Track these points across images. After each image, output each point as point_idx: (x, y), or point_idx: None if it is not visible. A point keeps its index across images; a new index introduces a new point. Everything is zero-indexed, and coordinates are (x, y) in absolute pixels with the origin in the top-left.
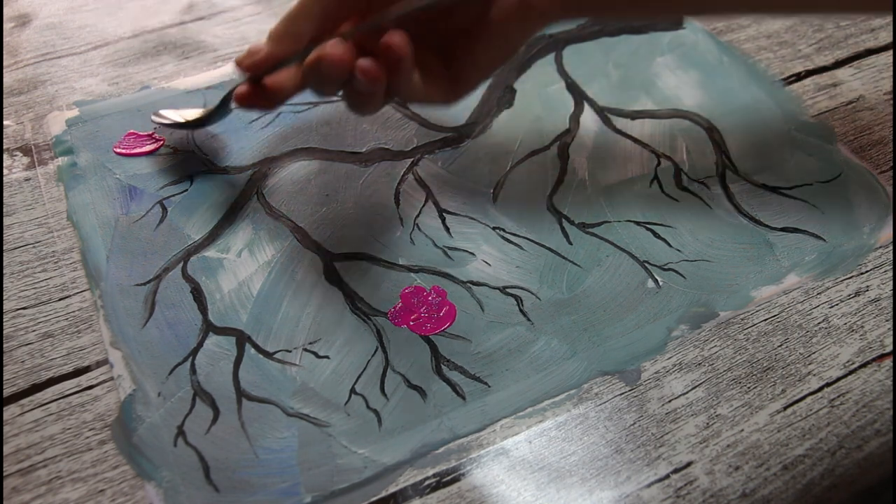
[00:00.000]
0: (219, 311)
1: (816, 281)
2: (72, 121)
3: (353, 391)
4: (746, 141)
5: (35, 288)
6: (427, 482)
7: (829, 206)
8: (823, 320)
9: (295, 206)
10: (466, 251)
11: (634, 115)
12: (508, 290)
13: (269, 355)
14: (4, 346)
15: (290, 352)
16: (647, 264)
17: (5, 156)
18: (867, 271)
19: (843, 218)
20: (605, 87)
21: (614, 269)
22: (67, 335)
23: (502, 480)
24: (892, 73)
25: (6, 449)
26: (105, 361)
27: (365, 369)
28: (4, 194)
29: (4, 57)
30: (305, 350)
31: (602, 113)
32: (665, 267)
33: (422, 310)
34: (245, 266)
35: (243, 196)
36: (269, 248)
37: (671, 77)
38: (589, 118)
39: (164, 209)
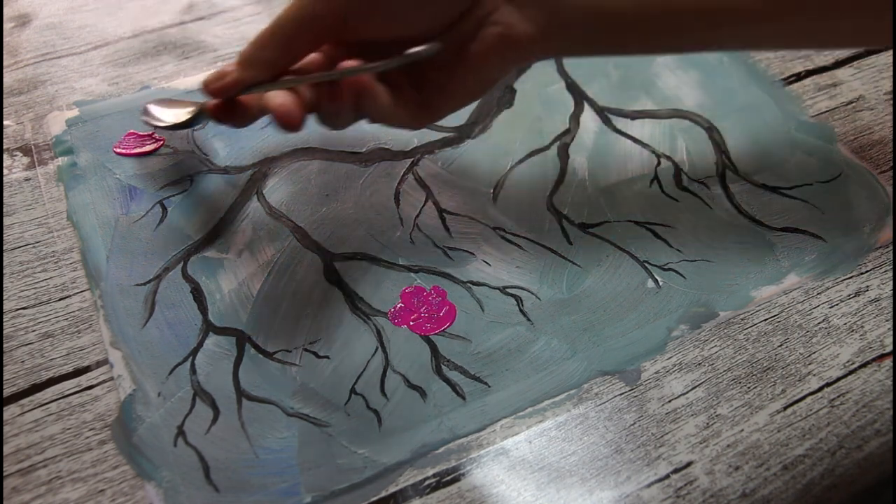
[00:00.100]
0: (219, 311)
1: (816, 281)
2: (72, 121)
3: (353, 391)
4: (746, 141)
5: (35, 288)
6: (427, 482)
7: (829, 206)
8: (823, 320)
9: (295, 206)
10: (466, 251)
11: (634, 115)
12: (508, 290)
13: (269, 355)
14: (4, 346)
15: (290, 352)
16: (647, 264)
17: (5, 156)
18: (867, 271)
19: (843, 218)
20: (605, 87)
21: (614, 269)
22: (67, 335)
23: (502, 480)
24: (892, 73)
25: (6, 449)
26: (105, 361)
27: (365, 369)
28: (4, 194)
29: (4, 57)
30: (305, 350)
31: (602, 113)
32: (665, 267)
33: (422, 310)
34: (245, 266)
35: (243, 196)
36: (269, 248)
37: (671, 77)
38: (589, 118)
39: (164, 209)
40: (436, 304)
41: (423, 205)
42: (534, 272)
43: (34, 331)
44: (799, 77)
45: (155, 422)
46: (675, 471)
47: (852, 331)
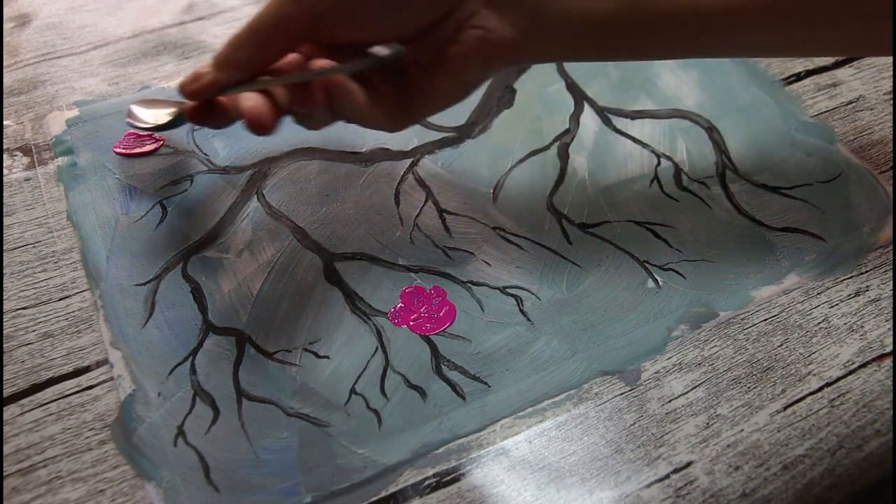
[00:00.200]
0: (219, 311)
1: (816, 281)
2: (72, 121)
3: (353, 391)
4: (746, 141)
5: (35, 288)
6: (427, 482)
7: (829, 206)
8: (823, 320)
9: (295, 206)
10: (466, 251)
11: (634, 115)
12: (508, 290)
13: (269, 355)
14: (4, 346)
15: (290, 352)
16: (647, 264)
17: (5, 156)
18: (867, 271)
19: (843, 218)
20: (605, 87)
21: (614, 269)
22: (67, 335)
23: (502, 480)
24: (892, 73)
25: (6, 449)
26: (105, 361)
27: (365, 369)
28: (4, 194)
29: (4, 57)
30: (305, 350)
31: (602, 113)
32: (665, 267)
33: (422, 310)
34: (245, 266)
35: (243, 196)
36: (269, 248)
37: (671, 77)
38: (589, 118)
39: (164, 209)
40: (436, 304)
41: (423, 205)
42: (534, 272)
43: (34, 331)
44: (799, 77)
45: (155, 422)
46: (675, 471)
47: (852, 331)
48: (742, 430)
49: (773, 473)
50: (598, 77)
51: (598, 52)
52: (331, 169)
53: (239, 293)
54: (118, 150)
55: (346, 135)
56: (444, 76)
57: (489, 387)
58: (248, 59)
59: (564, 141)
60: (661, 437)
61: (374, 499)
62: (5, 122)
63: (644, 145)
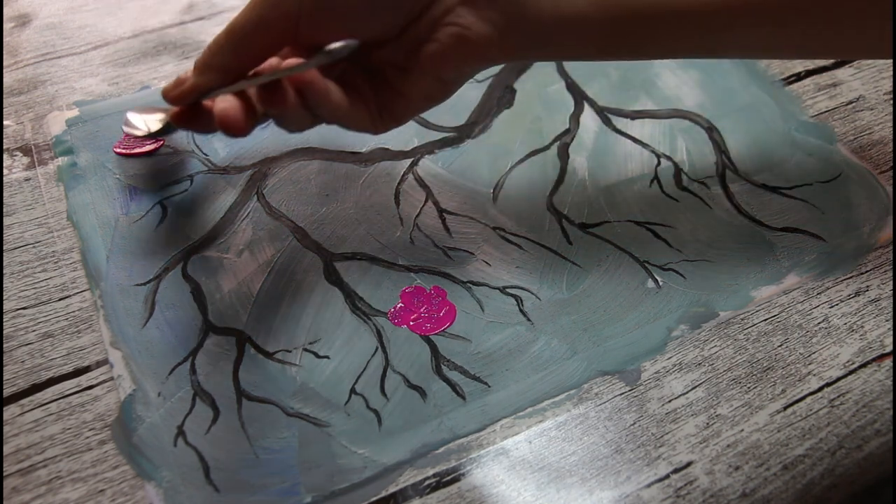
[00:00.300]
0: (219, 311)
1: (816, 281)
2: (72, 121)
3: (353, 391)
4: (746, 141)
5: (35, 288)
6: (427, 482)
7: (829, 206)
8: (823, 320)
9: (295, 206)
10: (466, 251)
11: (634, 115)
12: (508, 290)
13: (269, 355)
14: (4, 346)
15: (290, 352)
16: (647, 264)
17: (5, 156)
18: (867, 271)
19: (843, 218)
20: (605, 87)
21: (614, 269)
22: (67, 335)
23: (502, 480)
24: (892, 73)
25: (6, 449)
26: (105, 361)
27: (365, 369)
28: (4, 194)
29: (4, 57)
30: (305, 350)
31: (602, 113)
32: (665, 267)
33: (422, 310)
34: (245, 266)
35: (243, 196)
36: (269, 248)
37: (671, 77)
38: (589, 118)
39: (164, 209)
40: (436, 304)
41: (423, 205)
42: (534, 272)
43: (34, 331)
44: (799, 77)
45: (155, 422)
46: (675, 471)
47: (852, 331)
48: (742, 430)
49: (773, 473)
50: (599, 77)
51: (574, 51)
52: (331, 169)
53: (239, 293)
54: (118, 150)
55: (346, 135)
56: (422, 75)
57: (489, 387)
58: (227, 63)
59: (564, 141)
60: (661, 437)
61: (374, 499)
62: (5, 122)
63: (644, 145)
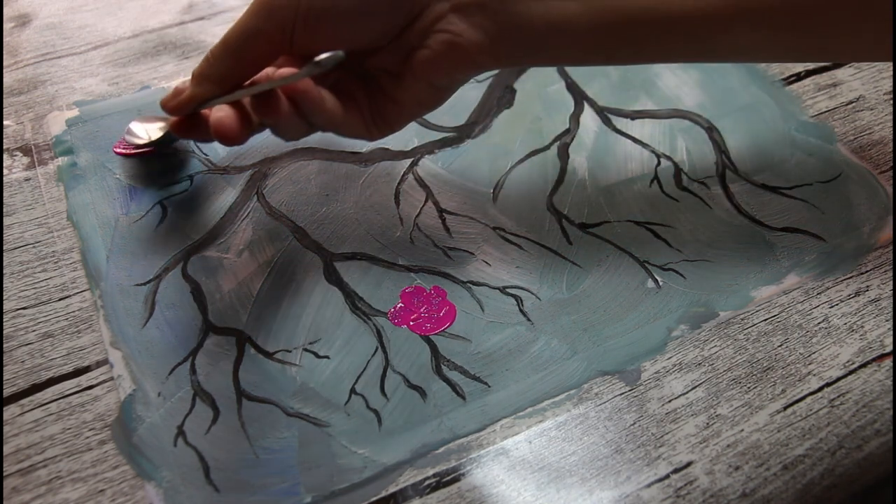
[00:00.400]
0: (219, 311)
1: (816, 281)
2: (72, 121)
3: (353, 391)
4: (746, 141)
5: (35, 288)
6: (427, 482)
7: (829, 206)
8: (823, 320)
9: (295, 206)
10: (466, 251)
11: (634, 115)
12: (508, 290)
13: (269, 355)
14: (4, 346)
15: (290, 352)
16: (647, 264)
17: (5, 156)
18: (867, 271)
19: (843, 218)
20: (605, 87)
21: (614, 269)
22: (67, 335)
23: (502, 480)
24: (892, 73)
25: (6, 449)
26: (105, 361)
27: (365, 369)
28: (4, 194)
29: (4, 57)
30: (305, 350)
31: (602, 113)
32: (665, 267)
33: (422, 310)
34: (245, 266)
35: (243, 196)
36: (269, 248)
37: (671, 77)
38: (589, 118)
39: (164, 209)
40: (436, 304)
41: (423, 205)
42: (534, 272)
43: (34, 331)
44: (799, 77)
45: (155, 422)
46: (675, 471)
47: (852, 331)
48: (742, 430)
49: (773, 473)
50: (599, 77)
51: (566, 58)
52: (331, 169)
53: (239, 293)
54: (118, 150)
55: None
56: (415, 81)
57: (489, 387)
58: (223, 73)
59: (564, 141)
60: (661, 437)
61: (374, 499)
62: (5, 122)
63: (644, 145)
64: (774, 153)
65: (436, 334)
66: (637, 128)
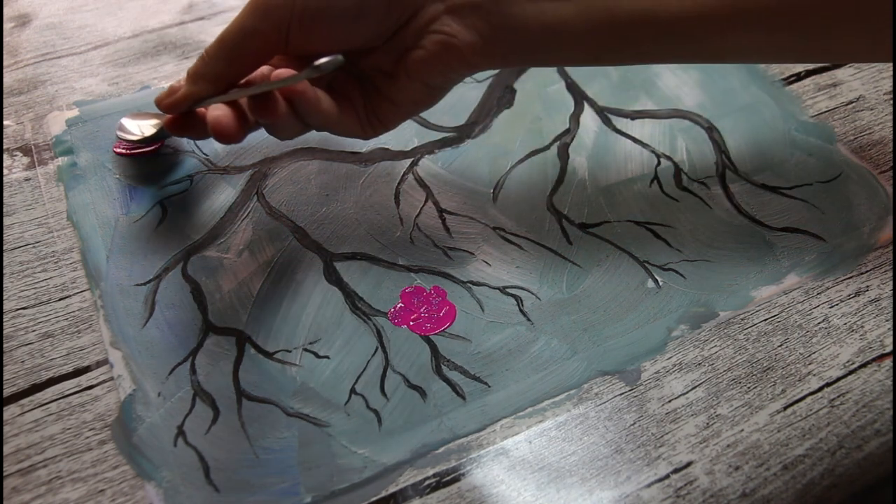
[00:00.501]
0: (219, 311)
1: (816, 281)
2: (72, 121)
3: (353, 391)
4: (746, 141)
5: (35, 288)
6: (427, 482)
7: (829, 206)
8: (823, 320)
9: (295, 206)
10: (466, 251)
11: (634, 115)
12: (508, 290)
13: (269, 355)
14: (4, 346)
15: (290, 352)
16: (647, 264)
17: (5, 156)
18: (867, 271)
19: (843, 218)
20: (605, 87)
21: (614, 269)
22: (67, 335)
23: (502, 480)
24: (892, 73)
25: (6, 449)
26: (105, 361)
27: (365, 369)
28: (4, 194)
29: (4, 57)
30: (305, 350)
31: (602, 113)
32: (665, 267)
33: (422, 310)
34: (245, 266)
35: (243, 196)
36: (269, 248)
37: (671, 77)
38: (589, 118)
39: (164, 209)
40: (436, 304)
41: (423, 205)
42: (534, 272)
43: (34, 331)
44: (799, 77)
45: (155, 422)
46: (675, 471)
47: (852, 331)
48: (742, 430)
49: (773, 473)
50: (599, 77)
51: (560, 59)
52: (331, 169)
53: (239, 293)
54: (118, 150)
55: None
56: (409, 81)
57: (489, 387)
58: (218, 72)
59: (564, 141)
60: (661, 437)
61: (374, 499)
62: (5, 122)
63: (644, 145)
64: (774, 153)
65: (436, 334)
66: (637, 128)
